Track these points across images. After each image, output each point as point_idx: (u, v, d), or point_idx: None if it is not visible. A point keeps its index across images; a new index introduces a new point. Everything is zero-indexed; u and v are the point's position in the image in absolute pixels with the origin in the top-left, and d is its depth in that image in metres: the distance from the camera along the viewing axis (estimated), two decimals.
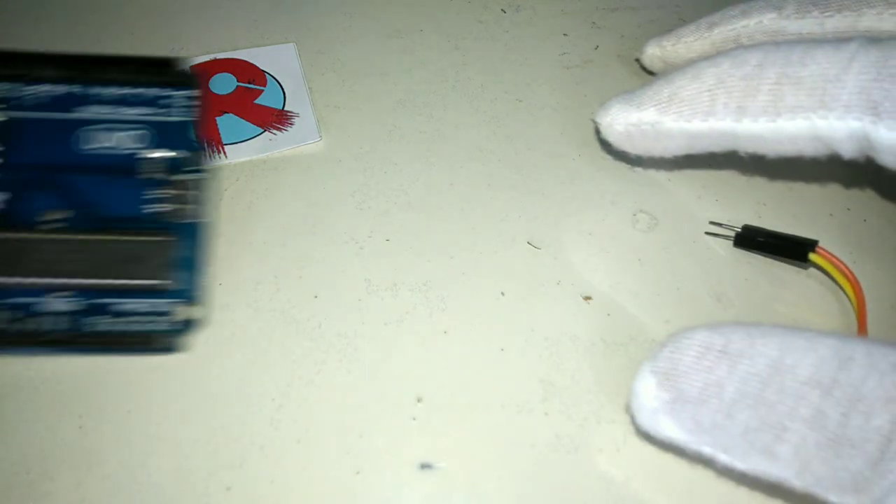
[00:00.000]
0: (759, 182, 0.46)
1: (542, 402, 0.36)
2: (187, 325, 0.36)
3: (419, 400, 0.36)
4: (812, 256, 0.40)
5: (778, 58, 0.37)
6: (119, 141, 0.37)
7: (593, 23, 0.50)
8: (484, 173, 0.43)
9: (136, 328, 0.36)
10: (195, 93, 0.38)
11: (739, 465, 0.31)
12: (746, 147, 0.39)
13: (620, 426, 0.36)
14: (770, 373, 0.30)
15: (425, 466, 0.35)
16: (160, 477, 0.33)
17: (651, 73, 0.47)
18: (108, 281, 0.35)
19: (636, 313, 0.40)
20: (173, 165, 0.37)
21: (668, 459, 0.35)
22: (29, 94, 0.37)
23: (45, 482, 0.32)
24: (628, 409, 0.34)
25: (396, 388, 0.36)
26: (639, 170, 0.45)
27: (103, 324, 0.35)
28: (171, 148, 0.37)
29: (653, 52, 0.46)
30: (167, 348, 0.36)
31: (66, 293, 0.35)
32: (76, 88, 0.37)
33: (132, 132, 0.37)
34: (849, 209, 0.45)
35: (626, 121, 0.40)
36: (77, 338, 0.35)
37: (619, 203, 0.44)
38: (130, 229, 0.36)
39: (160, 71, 0.38)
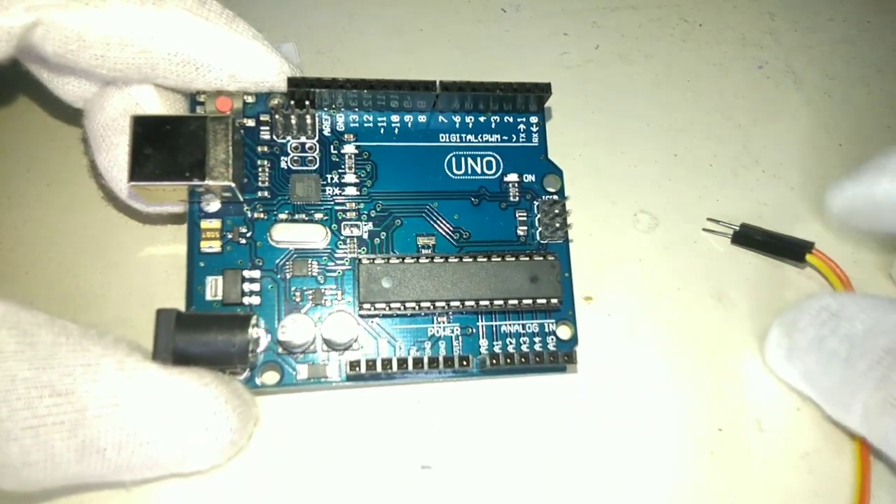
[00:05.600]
0: (761, 182, 0.46)
1: None
2: (570, 345, 0.37)
3: None
4: (809, 258, 0.41)
5: None
6: (480, 166, 0.39)
7: (594, 22, 0.50)
8: None
9: (532, 348, 0.37)
10: (540, 118, 0.40)
11: (830, 413, 0.36)
12: None
13: None
14: (862, 337, 0.33)
15: None
16: None
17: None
18: (512, 300, 0.36)
19: (637, 313, 0.40)
20: (535, 189, 0.39)
21: None
22: (384, 123, 0.39)
23: None
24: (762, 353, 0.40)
25: None
26: (639, 170, 0.45)
27: (501, 346, 0.36)
28: (530, 172, 0.40)
29: None
30: (560, 368, 0.37)
31: (459, 315, 0.36)
32: (439, 116, 0.40)
33: (489, 157, 0.39)
34: None
35: None
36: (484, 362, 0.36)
37: (619, 203, 0.44)
38: (515, 251, 0.37)
39: (524, 98, 0.39)
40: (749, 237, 0.42)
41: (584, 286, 0.39)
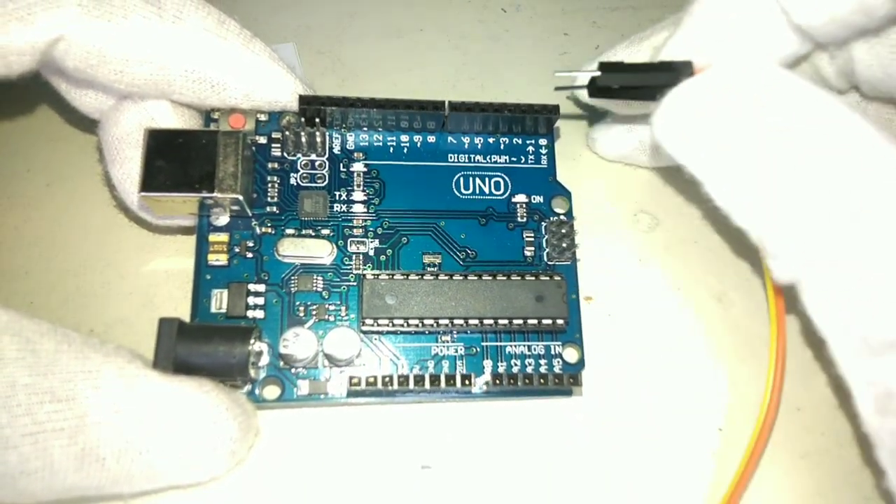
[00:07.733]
0: None
1: None
2: (577, 368, 0.37)
3: None
4: None
5: None
6: (488, 187, 0.39)
7: (594, 22, 0.50)
8: None
9: (537, 370, 0.37)
10: (549, 140, 0.41)
11: (710, 189, 0.32)
12: None
13: None
14: (785, 130, 0.30)
15: None
16: None
17: None
18: (517, 319, 0.36)
19: (636, 313, 0.41)
20: (543, 210, 0.39)
21: None
22: (393, 143, 0.39)
23: None
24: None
25: None
26: (639, 170, 0.45)
27: (504, 366, 0.36)
28: (538, 193, 0.40)
29: None
30: (566, 391, 0.37)
31: (463, 335, 0.36)
32: (448, 136, 0.40)
33: (498, 178, 0.40)
34: None
35: None
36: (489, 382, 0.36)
37: (619, 203, 0.44)
38: (522, 271, 0.37)
39: (533, 120, 0.39)
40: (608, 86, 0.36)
41: (584, 286, 0.39)
